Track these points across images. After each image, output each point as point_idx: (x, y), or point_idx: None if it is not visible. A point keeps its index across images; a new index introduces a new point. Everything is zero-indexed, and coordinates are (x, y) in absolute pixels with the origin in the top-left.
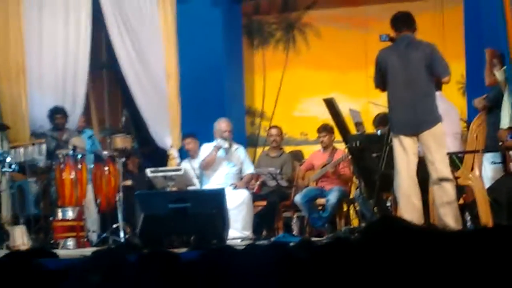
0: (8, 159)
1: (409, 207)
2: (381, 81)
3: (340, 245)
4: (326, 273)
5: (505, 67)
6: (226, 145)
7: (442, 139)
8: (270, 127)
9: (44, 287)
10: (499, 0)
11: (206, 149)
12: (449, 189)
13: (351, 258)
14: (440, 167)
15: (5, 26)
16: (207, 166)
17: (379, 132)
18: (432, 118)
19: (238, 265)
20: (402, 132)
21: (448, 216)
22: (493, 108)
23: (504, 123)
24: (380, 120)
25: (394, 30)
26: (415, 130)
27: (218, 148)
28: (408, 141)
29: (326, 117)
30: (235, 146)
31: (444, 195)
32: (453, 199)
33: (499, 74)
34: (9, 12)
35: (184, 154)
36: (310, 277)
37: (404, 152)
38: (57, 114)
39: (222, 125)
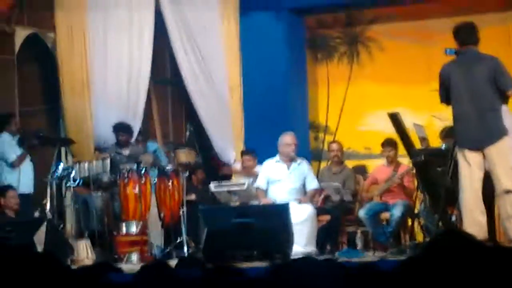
0: (73, 174)
1: (472, 222)
2: (446, 96)
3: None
4: None
5: None
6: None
7: (507, 153)
8: (331, 142)
9: None
10: None
11: (268, 165)
12: None
13: (414, 274)
14: (504, 180)
15: (70, 41)
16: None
17: (443, 146)
18: (497, 133)
19: (301, 281)
20: (467, 146)
21: None
22: None
23: None
24: (446, 134)
25: (457, 43)
26: (480, 144)
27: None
28: (473, 155)
29: (390, 131)
30: (298, 160)
31: (510, 208)
32: None
33: None
34: (73, 28)
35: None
36: None
37: (469, 166)
38: (122, 131)
39: (287, 139)
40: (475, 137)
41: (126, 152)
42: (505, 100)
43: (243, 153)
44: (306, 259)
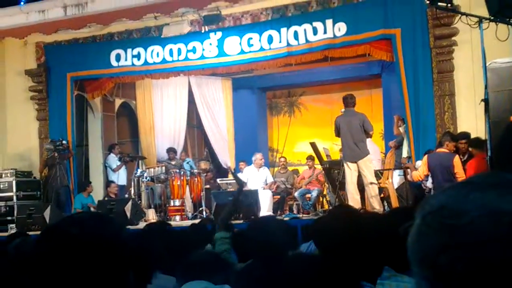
0: (145, 174)
1: (353, 199)
2: (338, 133)
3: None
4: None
5: (404, 125)
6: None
7: (369, 163)
8: (280, 157)
9: (172, 240)
10: (400, 87)
11: (247, 169)
12: (375, 188)
13: (323, 225)
14: (369, 177)
15: (143, 105)
16: None
17: (339, 158)
18: (364, 153)
19: (264, 227)
20: (349, 160)
21: (375, 203)
22: (399, 147)
23: (404, 154)
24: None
25: (344, 105)
26: (355, 159)
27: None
28: (352, 165)
29: (310, 151)
30: (263, 167)
31: (372, 192)
32: (377, 194)
33: (401, 129)
34: (145, 98)
35: (237, 171)
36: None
37: (350, 170)
38: (170, 151)
39: (258, 156)
40: (353, 155)
41: (173, 163)
42: (368, 136)
43: (240, 161)
44: (266, 217)
